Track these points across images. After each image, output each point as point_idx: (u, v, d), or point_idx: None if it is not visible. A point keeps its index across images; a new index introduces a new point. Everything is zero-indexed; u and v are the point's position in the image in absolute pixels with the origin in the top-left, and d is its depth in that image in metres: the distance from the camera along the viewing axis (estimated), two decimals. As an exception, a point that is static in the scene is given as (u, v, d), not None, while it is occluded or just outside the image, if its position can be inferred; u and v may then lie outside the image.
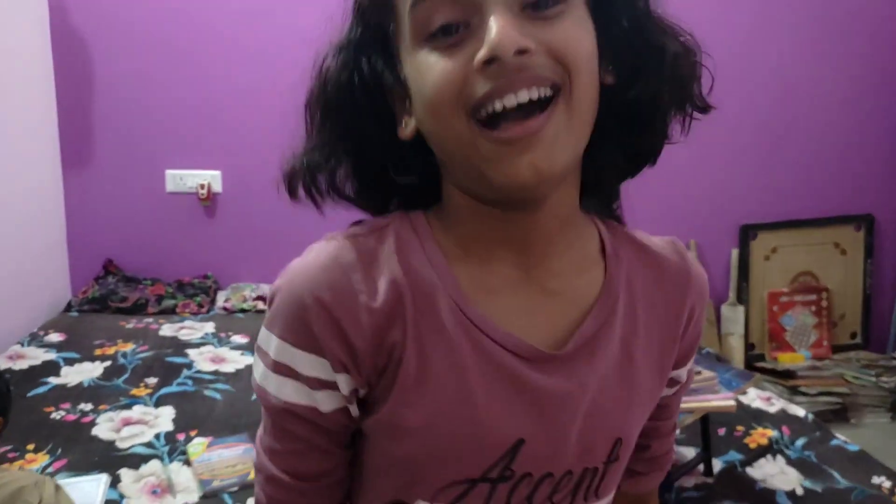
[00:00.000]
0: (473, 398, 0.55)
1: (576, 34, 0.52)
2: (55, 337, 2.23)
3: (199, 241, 2.73)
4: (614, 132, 0.58)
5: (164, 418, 1.73)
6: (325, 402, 0.56)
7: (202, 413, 1.76)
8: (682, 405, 1.48)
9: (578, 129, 0.53)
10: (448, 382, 0.55)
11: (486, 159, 0.51)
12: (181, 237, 2.72)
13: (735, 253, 2.97)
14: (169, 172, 2.67)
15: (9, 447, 1.57)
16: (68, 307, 2.52)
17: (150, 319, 2.43)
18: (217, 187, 2.69)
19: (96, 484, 1.44)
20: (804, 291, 2.98)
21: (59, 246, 2.66)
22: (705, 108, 0.59)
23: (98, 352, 2.12)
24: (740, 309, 2.97)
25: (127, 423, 1.71)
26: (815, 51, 2.88)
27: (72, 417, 1.73)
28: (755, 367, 2.92)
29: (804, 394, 2.68)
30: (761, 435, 1.79)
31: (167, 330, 2.32)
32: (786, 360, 2.90)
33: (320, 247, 0.57)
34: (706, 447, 1.60)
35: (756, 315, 3.00)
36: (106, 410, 1.76)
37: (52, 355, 2.09)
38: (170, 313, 2.50)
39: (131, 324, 2.37)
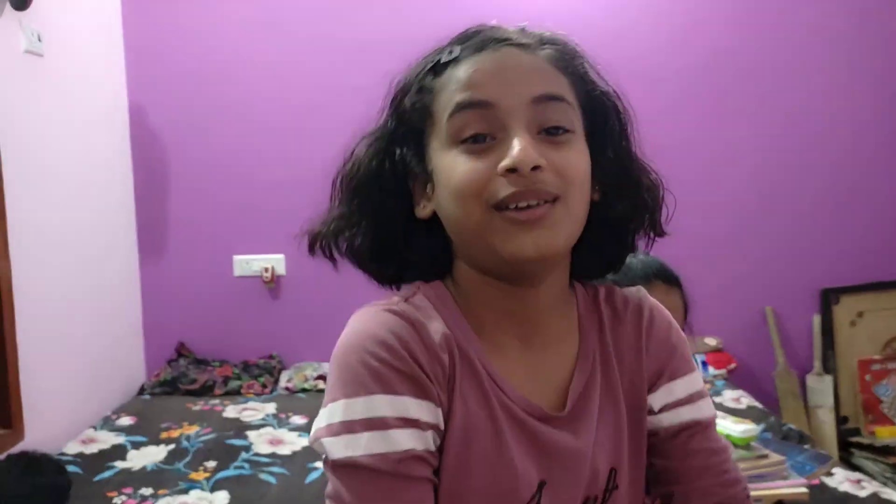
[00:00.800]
0: (507, 444, 0.64)
1: (576, 159, 0.65)
2: (126, 420, 2.31)
3: (265, 322, 2.82)
4: (595, 240, 0.71)
5: (219, 504, 1.74)
6: (432, 443, 0.63)
7: (254, 498, 1.76)
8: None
9: (571, 224, 0.65)
10: (487, 431, 0.64)
11: (498, 234, 0.63)
12: (248, 319, 2.81)
13: (817, 319, 2.79)
14: (236, 258, 2.79)
15: (70, 534, 1.61)
16: (141, 390, 2.62)
17: (216, 401, 2.49)
18: (281, 270, 2.78)
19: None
20: (899, 358, 2.75)
21: (136, 331, 2.79)
22: (662, 234, 0.73)
23: (164, 435, 2.18)
24: (828, 379, 2.75)
25: (183, 508, 1.73)
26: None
27: (132, 503, 1.76)
28: (850, 442, 2.68)
29: (908, 473, 2.43)
30: (850, 524, 1.62)
31: (231, 411, 2.37)
32: (884, 435, 2.64)
33: (375, 311, 0.65)
34: (783, 539, 1.46)
35: (846, 385, 2.77)
36: (165, 496, 1.79)
37: (121, 439, 2.16)
38: (235, 394, 2.56)
39: (198, 405, 2.43)
